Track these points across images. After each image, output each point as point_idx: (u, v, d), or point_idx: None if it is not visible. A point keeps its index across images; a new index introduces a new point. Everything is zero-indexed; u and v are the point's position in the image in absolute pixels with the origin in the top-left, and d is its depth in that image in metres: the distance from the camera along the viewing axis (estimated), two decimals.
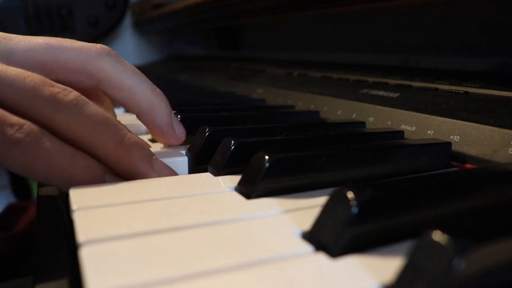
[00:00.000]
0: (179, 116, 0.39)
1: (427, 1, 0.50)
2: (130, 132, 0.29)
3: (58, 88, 0.27)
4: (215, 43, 1.30)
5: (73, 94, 0.27)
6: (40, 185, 0.33)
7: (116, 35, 1.42)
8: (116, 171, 0.28)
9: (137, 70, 0.33)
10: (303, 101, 0.54)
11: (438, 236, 0.15)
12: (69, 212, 0.24)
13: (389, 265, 0.18)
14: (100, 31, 1.33)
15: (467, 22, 0.50)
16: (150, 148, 0.31)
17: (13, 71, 0.26)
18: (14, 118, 0.25)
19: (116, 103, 0.34)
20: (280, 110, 0.53)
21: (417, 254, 0.15)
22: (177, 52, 1.52)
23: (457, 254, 0.14)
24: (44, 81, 0.27)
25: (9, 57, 0.29)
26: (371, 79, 0.51)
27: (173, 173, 0.30)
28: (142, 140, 0.30)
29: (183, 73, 1.07)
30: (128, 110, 0.34)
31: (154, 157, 0.29)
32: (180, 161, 0.33)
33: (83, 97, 0.28)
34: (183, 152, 0.35)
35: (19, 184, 1.17)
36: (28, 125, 0.25)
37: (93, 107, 0.28)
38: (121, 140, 0.28)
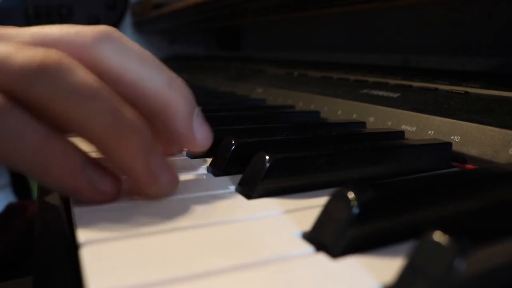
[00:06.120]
0: None
1: (427, 1, 0.50)
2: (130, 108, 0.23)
3: (33, 50, 0.21)
4: (215, 43, 1.30)
5: (54, 55, 0.21)
6: (40, 185, 0.33)
7: None
8: (105, 156, 0.23)
9: (147, 56, 0.26)
10: (303, 101, 0.54)
11: (439, 236, 0.15)
12: (69, 212, 0.24)
13: (390, 265, 0.18)
14: None
15: (467, 22, 0.50)
16: None
17: None
18: None
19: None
20: (280, 110, 0.53)
21: (418, 255, 0.15)
22: (177, 52, 1.52)
23: (458, 254, 0.14)
24: (18, 46, 0.21)
25: None
26: (371, 79, 0.51)
27: (174, 180, 0.25)
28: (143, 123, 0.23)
29: (183, 73, 1.07)
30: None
31: (155, 151, 0.23)
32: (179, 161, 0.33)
33: (68, 59, 0.21)
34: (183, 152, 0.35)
35: (19, 183, 1.17)
36: None
37: (81, 72, 0.21)
38: (117, 122, 0.22)
